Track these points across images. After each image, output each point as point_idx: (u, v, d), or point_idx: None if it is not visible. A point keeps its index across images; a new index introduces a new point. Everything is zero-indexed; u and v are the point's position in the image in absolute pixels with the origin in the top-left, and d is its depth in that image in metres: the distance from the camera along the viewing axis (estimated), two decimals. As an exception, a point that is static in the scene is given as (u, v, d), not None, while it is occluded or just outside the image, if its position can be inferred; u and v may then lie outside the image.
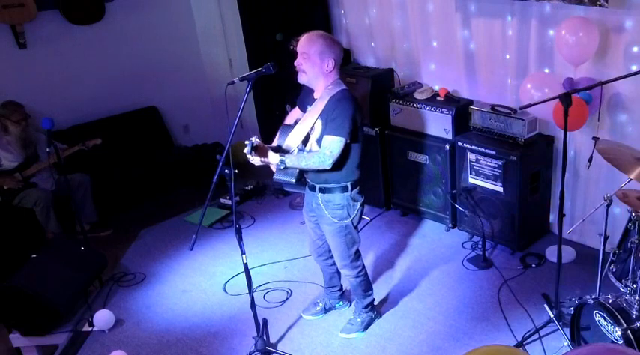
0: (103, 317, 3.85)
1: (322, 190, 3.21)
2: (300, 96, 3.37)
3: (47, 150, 4.13)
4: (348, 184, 3.19)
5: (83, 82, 5.59)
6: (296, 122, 3.24)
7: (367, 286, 3.58)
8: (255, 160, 3.08)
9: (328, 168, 3.04)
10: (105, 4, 5.48)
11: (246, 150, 3.01)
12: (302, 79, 3.12)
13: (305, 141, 3.16)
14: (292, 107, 3.54)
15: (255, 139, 3.01)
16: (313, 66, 3.05)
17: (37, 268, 3.91)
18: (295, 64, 3.09)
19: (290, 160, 3.06)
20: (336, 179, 3.17)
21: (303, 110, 3.31)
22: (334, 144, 3.01)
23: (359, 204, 3.27)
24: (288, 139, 3.17)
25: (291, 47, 5.02)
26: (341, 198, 3.21)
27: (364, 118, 4.62)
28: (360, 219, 3.36)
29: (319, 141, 3.11)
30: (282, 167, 3.06)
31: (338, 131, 3.01)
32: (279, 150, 3.15)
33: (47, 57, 5.34)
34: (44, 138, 4.12)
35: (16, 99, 4.70)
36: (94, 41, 5.56)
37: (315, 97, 3.17)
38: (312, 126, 3.12)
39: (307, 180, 3.24)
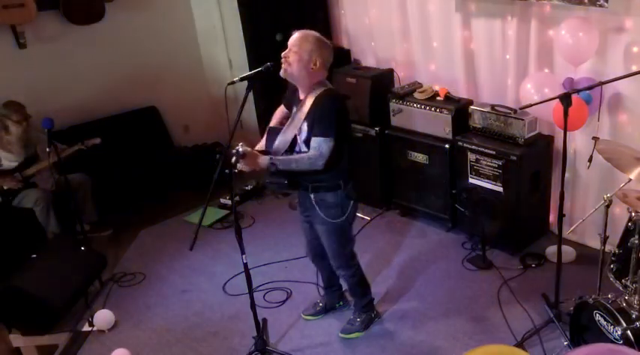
0: (103, 317, 3.85)
1: (315, 189, 3.20)
2: (287, 94, 3.35)
3: (47, 150, 4.12)
4: (340, 182, 3.18)
5: (83, 82, 5.58)
6: (282, 124, 3.24)
7: (364, 286, 3.58)
8: (244, 168, 3.00)
9: (320, 168, 3.03)
10: (105, 4, 5.47)
11: (233, 160, 2.92)
12: (285, 72, 3.06)
13: (293, 143, 3.14)
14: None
15: (242, 147, 2.93)
16: (300, 60, 3.02)
17: (37, 268, 3.91)
18: (282, 54, 3.06)
19: (280, 162, 3.03)
20: (328, 177, 3.15)
21: (290, 109, 3.30)
22: (323, 145, 2.99)
23: (352, 201, 3.26)
24: (278, 142, 3.15)
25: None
26: (333, 196, 3.19)
27: (362, 117, 4.68)
28: (355, 217, 3.36)
29: (307, 143, 3.09)
30: (273, 169, 3.02)
31: (325, 131, 2.99)
32: (268, 154, 3.12)
33: (47, 57, 5.34)
34: (45, 139, 4.12)
35: (16, 99, 4.69)
36: (94, 41, 5.56)
37: (300, 97, 3.15)
38: (300, 128, 3.10)
39: (300, 180, 3.23)
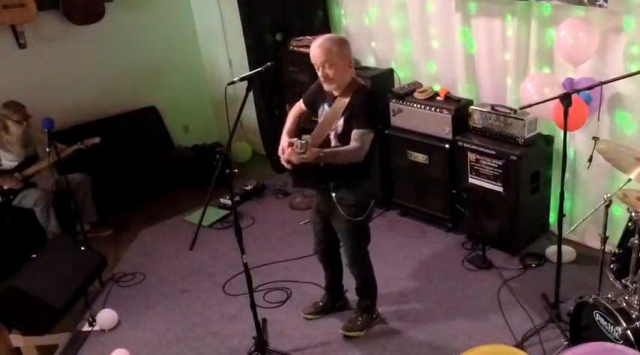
0: (106, 317, 3.86)
1: (336, 188, 3.22)
2: (310, 93, 3.37)
3: (47, 150, 4.13)
4: (362, 180, 3.22)
5: (83, 82, 5.59)
6: (300, 121, 3.25)
7: (373, 285, 3.58)
8: (300, 160, 2.92)
9: (360, 160, 3.07)
10: (105, 4, 5.48)
11: (299, 149, 2.88)
12: (331, 86, 3.13)
13: (327, 138, 3.16)
14: (292, 107, 3.53)
15: (307, 137, 2.99)
16: (337, 69, 3.08)
17: (37, 268, 3.90)
18: (321, 75, 3.10)
19: (328, 156, 3.04)
20: (352, 175, 3.18)
21: (314, 105, 3.32)
22: (365, 137, 3.06)
23: (372, 200, 3.30)
24: (313, 136, 3.14)
25: (291, 47, 5.06)
26: (355, 194, 3.22)
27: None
28: (372, 215, 3.37)
29: (341, 137, 3.13)
30: (320, 163, 3.01)
31: (368, 124, 3.07)
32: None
33: (47, 57, 5.34)
34: (45, 139, 4.12)
35: (16, 99, 4.70)
36: (94, 41, 5.57)
37: (335, 94, 3.18)
38: (335, 123, 3.14)
39: (321, 178, 3.22)
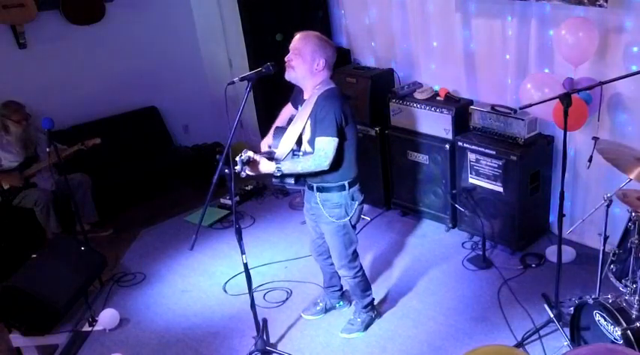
0: (109, 316, 3.87)
1: (320, 189, 3.21)
2: (293, 94, 3.37)
3: (47, 150, 4.13)
4: (345, 183, 3.19)
5: (83, 82, 5.59)
6: (289, 123, 3.25)
7: (365, 286, 3.58)
8: (251, 173, 3.04)
9: (326, 168, 3.04)
10: (105, 4, 5.48)
11: (237, 168, 2.96)
12: (290, 75, 3.09)
13: (299, 142, 3.14)
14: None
15: (246, 155, 2.98)
16: (304, 63, 3.04)
17: (37, 268, 3.91)
18: (286, 58, 3.08)
19: (286, 167, 3.05)
20: (333, 178, 3.16)
21: (297, 107, 3.31)
22: (327, 145, 3.00)
23: (357, 202, 3.26)
24: (282, 142, 3.16)
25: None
26: (338, 196, 3.20)
27: (362, 117, 4.68)
28: (359, 218, 3.36)
29: (311, 143, 3.09)
30: (278, 174, 3.04)
31: (328, 131, 3.00)
32: (272, 156, 3.14)
33: (47, 57, 5.34)
34: (44, 139, 4.12)
35: (16, 99, 4.70)
36: (94, 41, 5.56)
37: (304, 98, 3.16)
38: (304, 128, 3.11)
39: (305, 179, 3.24)
